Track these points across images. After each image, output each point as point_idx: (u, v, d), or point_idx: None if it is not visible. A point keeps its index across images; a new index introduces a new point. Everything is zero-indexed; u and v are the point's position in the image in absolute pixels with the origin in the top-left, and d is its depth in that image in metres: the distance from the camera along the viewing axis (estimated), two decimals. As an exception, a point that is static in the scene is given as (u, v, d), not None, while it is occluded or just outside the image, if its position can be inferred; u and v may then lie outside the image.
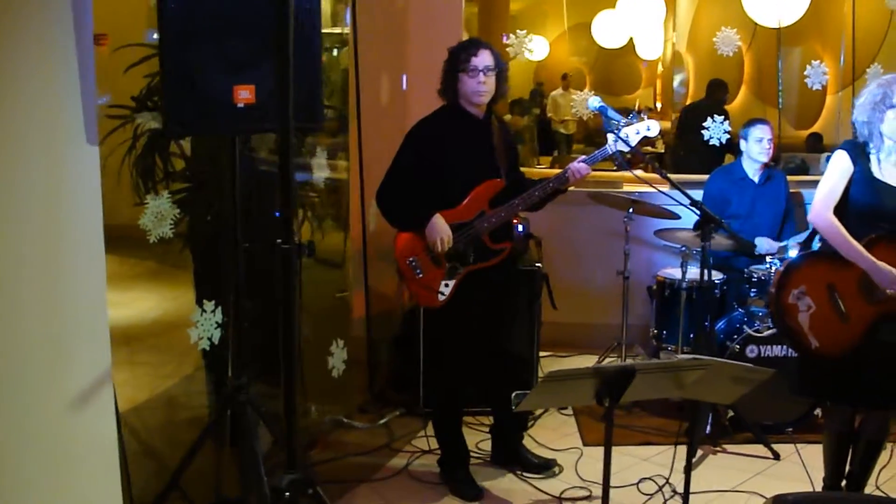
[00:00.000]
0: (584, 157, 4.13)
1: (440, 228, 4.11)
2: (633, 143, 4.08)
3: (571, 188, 4.31)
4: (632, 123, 4.11)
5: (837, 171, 3.75)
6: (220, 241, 3.95)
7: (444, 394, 4.50)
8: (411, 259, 4.19)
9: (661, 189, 4.16)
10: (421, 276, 4.19)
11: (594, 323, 6.44)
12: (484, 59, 4.10)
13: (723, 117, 6.47)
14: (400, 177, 4.21)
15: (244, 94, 3.09)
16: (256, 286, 3.73)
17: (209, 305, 3.85)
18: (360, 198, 5.42)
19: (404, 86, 5.93)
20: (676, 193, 3.86)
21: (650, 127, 4.11)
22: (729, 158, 6.47)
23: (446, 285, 4.18)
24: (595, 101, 4.03)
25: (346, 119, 5.43)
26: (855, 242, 3.66)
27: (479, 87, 4.10)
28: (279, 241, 2.64)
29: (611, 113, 3.98)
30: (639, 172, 4.29)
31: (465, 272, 4.18)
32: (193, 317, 3.80)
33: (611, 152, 4.08)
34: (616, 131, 4.01)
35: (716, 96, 7.79)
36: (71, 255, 3.07)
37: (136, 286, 5.08)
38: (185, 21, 3.00)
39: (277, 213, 2.83)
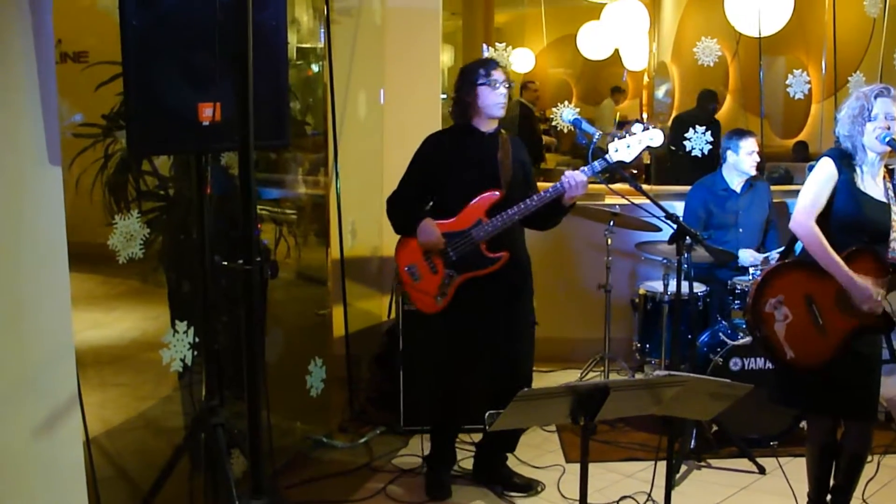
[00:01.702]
0: (583, 167, 4.08)
1: (429, 231, 4.20)
2: (636, 154, 4.03)
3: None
4: (624, 137, 4.07)
5: (822, 178, 3.72)
6: (191, 261, 3.91)
7: (443, 404, 4.54)
8: (410, 266, 4.29)
9: (641, 202, 4.13)
10: (418, 282, 4.27)
11: (576, 337, 6.41)
12: (501, 73, 4.23)
13: (704, 128, 6.45)
14: (405, 185, 4.36)
15: (208, 112, 3.05)
16: (232, 305, 3.69)
17: (181, 326, 3.81)
18: (338, 214, 5.38)
19: (382, 100, 5.90)
20: (653, 206, 3.83)
21: (653, 137, 4.04)
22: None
23: (443, 292, 4.25)
24: (569, 114, 4.01)
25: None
26: (834, 254, 3.63)
27: (502, 98, 4.21)
28: (240, 261, 2.59)
29: (585, 126, 3.95)
30: (616, 185, 4.26)
31: (461, 279, 4.24)
32: (166, 338, 3.77)
33: (610, 162, 4.02)
34: (619, 137, 3.97)
35: (705, 107, 7.77)
36: (33, 278, 3.03)
37: (119, 306, 5.03)
38: (148, 38, 2.96)
39: (257, 231, 2.80)
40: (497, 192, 4.20)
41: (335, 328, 5.42)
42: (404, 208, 4.32)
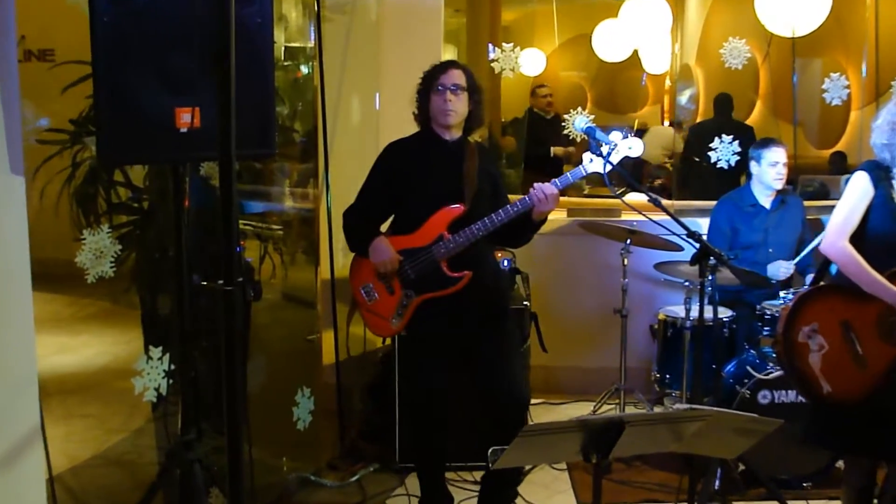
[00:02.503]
0: (554, 178, 4.13)
1: (381, 250, 4.24)
2: (613, 163, 4.06)
3: (559, 217, 4.31)
4: (601, 147, 4.10)
5: (856, 194, 3.72)
6: (167, 281, 3.92)
7: (418, 440, 4.55)
8: (365, 286, 4.33)
9: (660, 218, 4.13)
10: (373, 302, 4.32)
11: (589, 367, 6.40)
12: (453, 77, 4.24)
13: (731, 136, 6.46)
14: (362, 198, 4.38)
15: (187, 118, 3.05)
16: (211, 329, 3.69)
17: (156, 352, 3.81)
18: (329, 230, 5.39)
19: (377, 105, 5.91)
20: (674, 223, 3.83)
21: (632, 146, 4.09)
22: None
23: (399, 314, 4.28)
24: (582, 122, 4.03)
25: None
26: (875, 273, 3.62)
27: (446, 105, 4.21)
28: (220, 281, 2.59)
29: (598, 135, 3.97)
30: (632, 198, 4.27)
31: (419, 300, 4.26)
32: (138, 364, 3.77)
33: (584, 174, 4.11)
34: (595, 151, 4.00)
35: (725, 112, 7.78)
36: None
37: (87, 329, 5.04)
38: (121, 35, 2.95)
39: (238, 248, 2.80)
40: (460, 206, 4.22)
41: (324, 355, 5.41)
42: (359, 224, 4.36)
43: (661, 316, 5.57)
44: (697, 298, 5.02)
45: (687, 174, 7.32)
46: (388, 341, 5.20)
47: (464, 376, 4.34)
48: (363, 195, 4.38)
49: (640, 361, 6.11)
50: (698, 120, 8.46)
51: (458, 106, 4.23)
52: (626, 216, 6.27)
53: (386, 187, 4.31)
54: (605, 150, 4.05)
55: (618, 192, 4.06)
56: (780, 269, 5.40)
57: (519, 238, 4.38)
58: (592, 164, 4.06)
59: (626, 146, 4.07)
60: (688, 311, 5.26)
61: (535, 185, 4.13)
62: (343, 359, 5.53)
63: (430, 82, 4.26)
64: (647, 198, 3.82)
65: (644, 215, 4.15)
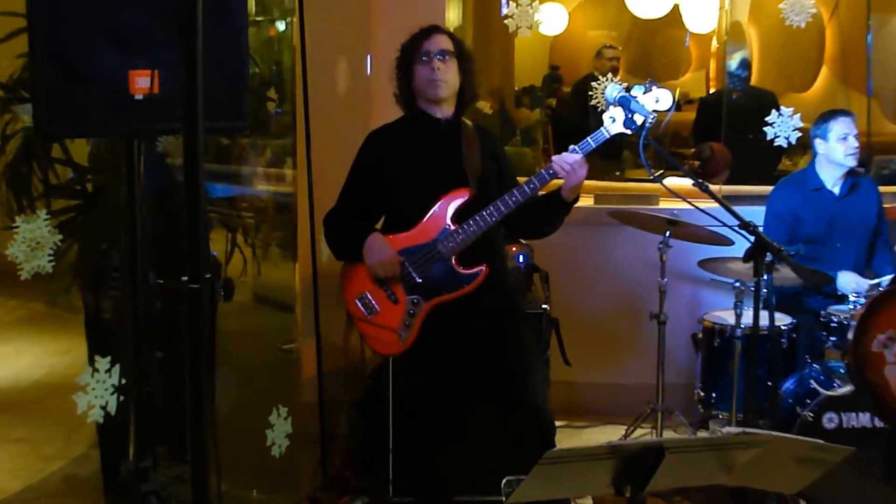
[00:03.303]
0: (573, 145, 4.12)
1: (377, 249, 4.24)
2: (639, 123, 4.05)
3: (585, 204, 4.30)
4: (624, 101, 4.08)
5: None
6: (119, 277, 3.92)
7: (423, 476, 4.54)
8: (361, 296, 4.32)
9: (707, 206, 4.13)
10: (374, 315, 4.30)
11: (620, 383, 6.42)
12: (438, 42, 4.28)
13: (792, 109, 6.46)
14: (345, 200, 4.42)
15: (143, 82, 3.04)
16: (170, 337, 3.69)
17: (103, 363, 3.80)
18: (310, 217, 5.38)
19: (368, 70, 5.91)
20: (724, 212, 3.83)
21: (659, 98, 4.06)
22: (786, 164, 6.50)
23: (407, 325, 4.26)
24: (613, 90, 4.02)
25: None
26: None
27: (434, 74, 4.24)
28: (184, 278, 2.60)
29: (635, 106, 3.96)
30: (672, 182, 4.26)
31: (429, 307, 4.25)
32: (82, 378, 3.76)
33: (607, 136, 4.09)
34: (631, 125, 3.98)
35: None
36: None
37: (18, 336, 5.04)
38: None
39: (205, 240, 2.80)
40: (465, 191, 4.24)
41: (305, 368, 5.42)
42: (345, 227, 4.38)
43: (706, 323, 5.57)
44: (750, 302, 5.05)
45: (737, 154, 7.33)
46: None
47: (475, 391, 4.34)
48: (346, 197, 4.41)
49: (681, 377, 6.12)
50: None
51: (448, 75, 4.26)
52: (666, 203, 6.27)
53: (373, 184, 4.35)
54: (616, 111, 4.04)
55: (655, 175, 4.06)
56: (852, 283, 5.37)
57: (546, 224, 4.40)
58: (615, 123, 4.04)
59: (651, 100, 4.05)
60: (738, 316, 5.25)
61: (554, 157, 4.14)
62: (326, 372, 5.53)
63: (412, 53, 4.29)
64: (691, 181, 3.83)
65: (687, 202, 4.14)
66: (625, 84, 4.05)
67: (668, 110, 4.11)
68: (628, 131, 4.04)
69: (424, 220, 4.24)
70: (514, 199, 4.14)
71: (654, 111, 4.09)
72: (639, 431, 5.98)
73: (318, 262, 5.49)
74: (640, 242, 5.93)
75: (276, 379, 5.24)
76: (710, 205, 4.01)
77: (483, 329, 4.32)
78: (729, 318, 5.41)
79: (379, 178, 4.32)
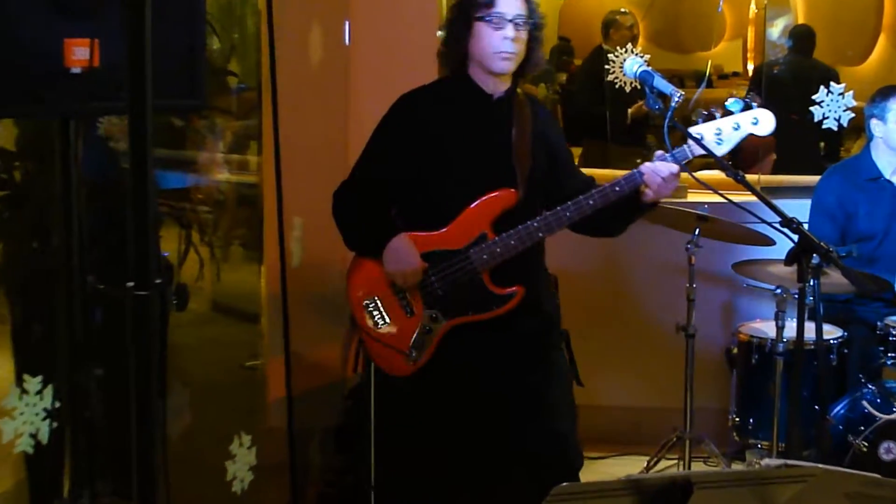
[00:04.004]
0: (662, 152, 4.01)
1: (402, 253, 4.13)
2: (730, 147, 4.03)
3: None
4: (711, 118, 4.04)
5: None
6: (50, 283, 3.91)
7: None
8: (370, 301, 4.26)
9: (743, 199, 4.13)
10: (383, 327, 4.24)
11: (642, 406, 6.46)
12: (514, 5, 4.10)
13: (842, 87, 6.46)
14: (366, 173, 4.31)
15: (81, 53, 3.04)
16: (113, 352, 3.69)
17: (33, 383, 3.80)
18: (278, 212, 5.37)
19: (347, 39, 5.91)
20: (763, 207, 3.83)
21: (758, 120, 4.01)
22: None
23: (419, 345, 4.19)
24: (633, 64, 4.01)
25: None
26: None
27: (505, 44, 4.09)
28: (130, 284, 2.59)
29: (658, 82, 3.95)
30: (704, 173, 4.26)
31: (448, 325, 4.18)
32: (8, 401, 3.76)
33: (689, 156, 4.03)
34: (654, 105, 3.95)
35: (804, 51, 7.77)
36: None
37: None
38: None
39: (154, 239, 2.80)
40: (510, 192, 4.15)
41: (272, 388, 5.43)
42: (365, 212, 4.28)
43: (742, 336, 5.58)
44: (794, 312, 5.04)
45: (780, 139, 7.33)
46: (360, 369, 5.18)
47: (489, 427, 4.30)
48: (366, 167, 4.31)
49: (713, 399, 6.13)
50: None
51: (519, 46, 4.12)
52: (695, 196, 6.28)
53: (398, 160, 4.23)
54: (719, 125, 4.00)
55: (683, 164, 4.05)
56: None
57: (606, 227, 4.34)
58: (703, 140, 3.97)
59: (747, 121, 4.00)
60: (780, 329, 5.26)
61: (646, 164, 4.04)
62: (297, 393, 5.52)
63: (478, 7, 4.08)
64: (724, 172, 3.83)
65: (720, 195, 4.13)
66: (646, 56, 4.05)
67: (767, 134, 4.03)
68: (723, 150, 3.99)
69: (457, 220, 4.15)
70: (567, 213, 4.05)
71: (750, 133, 4.03)
72: (663, 463, 5.99)
73: (288, 264, 5.48)
74: (664, 242, 5.94)
75: (238, 401, 5.24)
76: (748, 198, 4.01)
77: (508, 358, 4.25)
78: (769, 330, 5.41)
79: (406, 156, 4.21)
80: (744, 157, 7.26)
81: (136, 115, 2.61)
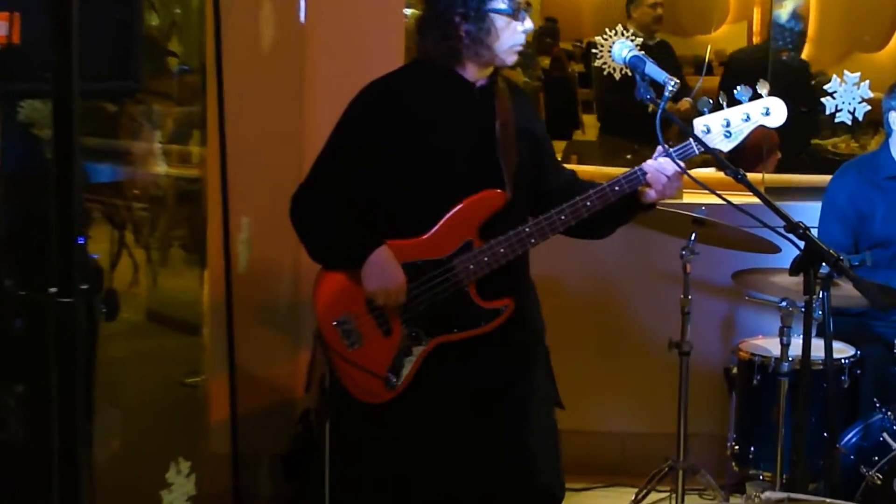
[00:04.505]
0: (663, 148, 3.98)
1: (387, 269, 4.06)
2: (740, 140, 4.03)
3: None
4: (717, 108, 4.04)
5: None
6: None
7: None
8: (341, 319, 4.17)
9: (744, 201, 4.14)
10: (357, 349, 4.17)
11: (630, 431, 6.47)
12: None
13: (857, 76, 6.48)
14: (333, 173, 4.21)
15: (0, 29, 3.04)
16: (33, 366, 3.68)
17: (-60, 401, 3.80)
18: (223, 209, 5.37)
19: (302, 16, 5.91)
20: (767, 210, 3.84)
21: (770, 109, 4.02)
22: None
23: (398, 368, 4.14)
24: (622, 48, 4.01)
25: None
26: None
27: (522, 36, 4.09)
28: (53, 290, 2.59)
29: (650, 69, 3.95)
30: (700, 171, 4.24)
31: (431, 346, 4.14)
32: None
33: (696, 152, 4.02)
34: (645, 94, 3.94)
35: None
36: None
37: None
38: None
39: (81, 239, 2.79)
40: (498, 193, 4.10)
41: (214, 409, 5.42)
42: (332, 219, 4.19)
43: (742, 354, 5.58)
44: (800, 328, 5.07)
45: (786, 133, 7.36)
46: (314, 389, 5.18)
47: (460, 451, 4.26)
48: (332, 165, 4.20)
49: (709, 425, 6.16)
50: (806, 47, 8.51)
51: None
52: (691, 197, 6.28)
53: (375, 155, 4.13)
54: (728, 116, 4.00)
55: (680, 163, 4.05)
56: None
57: (596, 229, 4.31)
58: (710, 136, 3.99)
59: (758, 111, 4.01)
60: (785, 346, 5.26)
61: (648, 163, 4.04)
62: (243, 413, 5.52)
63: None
64: (724, 170, 3.83)
65: (719, 196, 4.14)
66: (637, 40, 4.05)
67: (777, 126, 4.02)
68: (728, 146, 3.99)
69: (439, 226, 4.09)
70: (563, 217, 4.02)
71: (760, 125, 4.03)
72: (653, 496, 6.00)
73: (234, 268, 5.48)
74: (657, 248, 5.97)
75: (175, 423, 5.24)
76: (750, 199, 4.02)
77: (490, 377, 4.22)
78: (773, 348, 5.42)
79: (382, 152, 4.13)
80: (746, 154, 7.27)
81: (61, 99, 2.60)
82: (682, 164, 3.96)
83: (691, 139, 3.97)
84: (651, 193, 4.08)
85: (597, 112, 9.09)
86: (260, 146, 5.22)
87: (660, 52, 7.96)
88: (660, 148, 3.98)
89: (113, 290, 3.09)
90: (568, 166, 4.70)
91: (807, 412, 4.47)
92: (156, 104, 5.13)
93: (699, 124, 4.00)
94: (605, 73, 6.60)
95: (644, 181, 4.04)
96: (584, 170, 6.97)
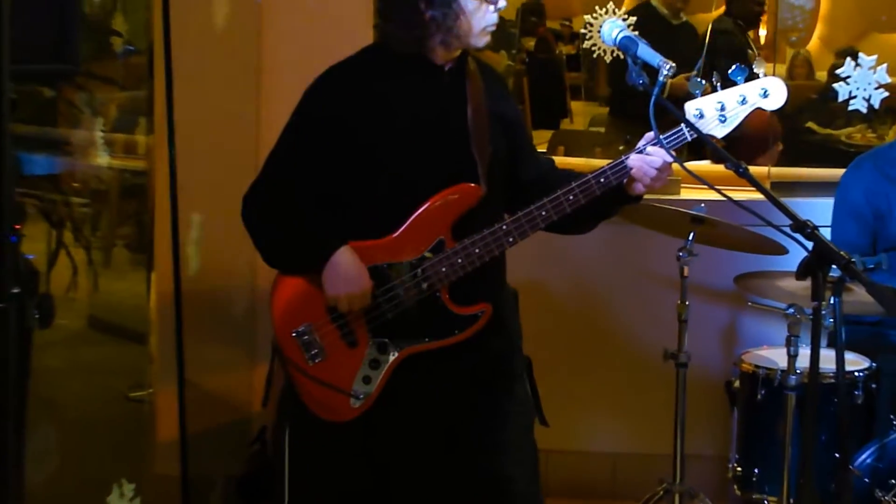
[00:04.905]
0: (655, 136, 3.97)
1: (350, 272, 4.02)
2: (737, 123, 4.03)
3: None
4: (712, 90, 4.04)
5: None
6: None
7: None
8: (301, 329, 4.13)
9: (747, 198, 4.15)
10: (319, 363, 4.13)
11: (621, 451, 6.48)
12: None
13: (874, 58, 6.50)
14: (287, 169, 4.16)
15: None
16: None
17: None
18: (171, 206, 5.37)
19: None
20: (772, 207, 3.86)
21: (768, 88, 4.01)
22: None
23: (366, 381, 4.11)
24: (612, 29, 4.01)
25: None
26: None
27: (494, 17, 4.06)
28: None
29: (642, 51, 3.95)
30: (697, 164, 4.24)
31: (400, 357, 4.11)
32: None
33: (688, 138, 3.98)
34: (637, 80, 3.93)
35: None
36: None
37: None
38: None
39: (13, 238, 2.79)
40: (472, 187, 4.06)
41: (162, 426, 5.41)
42: (289, 218, 4.15)
43: (745, 366, 5.58)
44: (808, 338, 5.08)
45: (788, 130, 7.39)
46: (272, 404, 5.17)
47: (429, 470, 4.23)
48: (288, 160, 4.15)
49: (709, 444, 6.18)
50: (817, 26, 8.53)
51: None
52: (689, 192, 6.31)
53: (337, 146, 4.08)
54: (723, 98, 4.00)
55: (673, 155, 4.05)
56: None
57: (577, 225, 4.25)
58: (703, 121, 3.98)
59: (755, 92, 3.99)
60: (792, 358, 5.27)
61: (633, 156, 3.95)
62: (193, 431, 5.52)
63: None
64: (724, 163, 3.84)
65: (719, 192, 4.14)
66: (629, 20, 4.04)
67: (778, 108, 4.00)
68: (723, 131, 3.97)
69: (408, 225, 4.05)
70: (544, 213, 3.97)
71: (758, 107, 4.03)
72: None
73: (184, 271, 5.48)
74: (651, 248, 5.98)
75: (119, 441, 5.23)
76: (753, 195, 4.02)
77: (462, 390, 4.19)
78: (779, 359, 5.43)
79: (345, 143, 4.07)
80: (746, 145, 7.28)
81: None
82: (673, 154, 3.94)
83: (683, 125, 3.91)
84: (638, 186, 4.04)
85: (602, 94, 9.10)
86: (212, 135, 5.21)
87: (684, 35, 8.00)
88: (648, 135, 3.96)
89: (48, 294, 3.10)
90: (555, 159, 4.69)
91: (816, 430, 4.47)
92: (97, 89, 5.12)
93: (691, 108, 3.94)
94: (594, 55, 6.61)
95: (628, 171, 3.97)
96: (573, 162, 7.01)
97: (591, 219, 4.23)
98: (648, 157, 3.94)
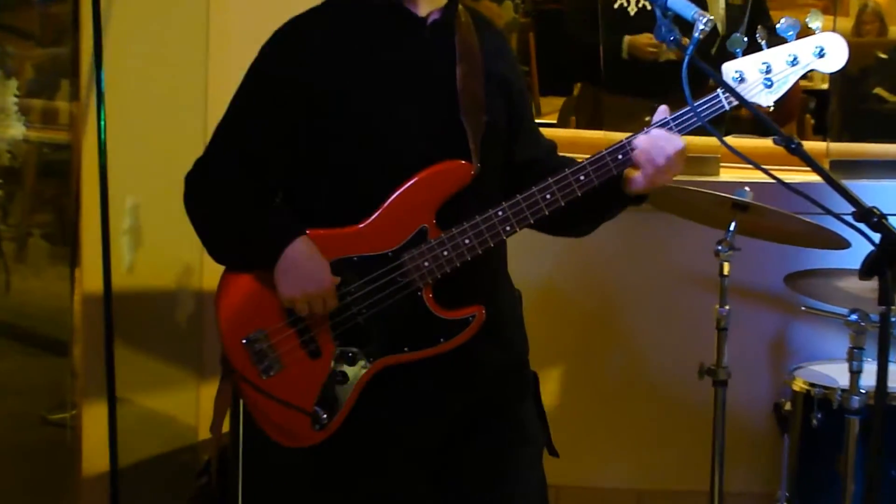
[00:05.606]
0: (665, 109, 3.93)
1: (308, 266, 3.97)
2: (788, 88, 3.99)
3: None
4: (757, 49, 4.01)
5: None
6: None
7: None
8: (252, 337, 4.08)
9: (800, 179, 4.14)
10: (274, 375, 4.08)
11: (648, 489, 6.49)
12: None
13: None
14: (239, 140, 4.10)
15: None
16: None
17: None
18: (101, 187, 5.36)
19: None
20: (830, 190, 3.84)
21: (823, 47, 3.98)
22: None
23: (331, 399, 4.06)
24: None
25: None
26: None
27: None
28: None
29: (674, 2, 3.93)
30: (741, 138, 4.21)
31: (373, 370, 4.05)
32: None
33: (726, 107, 3.94)
34: (668, 36, 3.89)
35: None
36: None
37: None
38: None
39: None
40: (462, 164, 4.00)
41: (88, 456, 5.41)
42: (236, 202, 4.09)
43: (797, 384, 5.59)
44: (874, 350, 5.07)
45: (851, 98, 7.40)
46: (226, 428, 5.16)
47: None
48: (238, 131, 4.09)
49: (754, 479, 6.18)
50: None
51: None
52: (730, 173, 6.28)
53: (297, 114, 4.02)
54: (768, 59, 3.97)
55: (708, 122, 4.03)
56: None
57: (573, 223, 4.22)
58: (745, 85, 3.90)
59: (808, 51, 3.96)
60: (855, 374, 5.27)
61: (639, 137, 3.84)
62: (126, 463, 5.51)
63: None
64: (773, 138, 3.82)
65: (767, 173, 4.12)
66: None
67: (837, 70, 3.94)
68: (765, 103, 3.93)
69: (382, 210, 3.99)
70: (548, 196, 3.88)
71: (812, 69, 3.99)
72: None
73: (116, 267, 5.46)
74: (684, 241, 5.97)
75: (36, 471, 5.22)
76: (808, 177, 4.00)
77: (455, 413, 4.15)
78: (839, 376, 5.43)
79: (306, 110, 4.01)
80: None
81: None
82: (709, 126, 3.88)
83: (719, 91, 3.82)
84: (638, 179, 3.90)
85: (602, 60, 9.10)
86: (150, 103, 5.18)
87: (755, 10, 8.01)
88: (661, 108, 3.88)
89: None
90: (566, 132, 4.67)
91: (883, 462, 4.45)
92: (9, 44, 5.11)
93: (730, 70, 3.86)
94: (615, 5, 6.62)
95: (629, 157, 3.84)
96: (589, 136, 6.98)
97: (587, 216, 4.15)
98: (656, 139, 3.82)
